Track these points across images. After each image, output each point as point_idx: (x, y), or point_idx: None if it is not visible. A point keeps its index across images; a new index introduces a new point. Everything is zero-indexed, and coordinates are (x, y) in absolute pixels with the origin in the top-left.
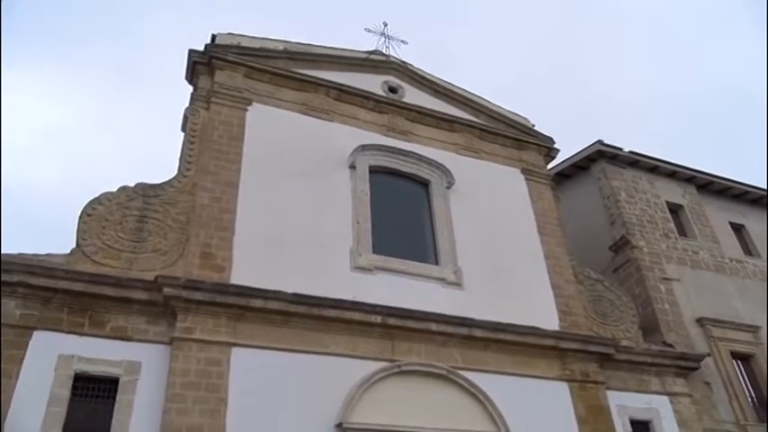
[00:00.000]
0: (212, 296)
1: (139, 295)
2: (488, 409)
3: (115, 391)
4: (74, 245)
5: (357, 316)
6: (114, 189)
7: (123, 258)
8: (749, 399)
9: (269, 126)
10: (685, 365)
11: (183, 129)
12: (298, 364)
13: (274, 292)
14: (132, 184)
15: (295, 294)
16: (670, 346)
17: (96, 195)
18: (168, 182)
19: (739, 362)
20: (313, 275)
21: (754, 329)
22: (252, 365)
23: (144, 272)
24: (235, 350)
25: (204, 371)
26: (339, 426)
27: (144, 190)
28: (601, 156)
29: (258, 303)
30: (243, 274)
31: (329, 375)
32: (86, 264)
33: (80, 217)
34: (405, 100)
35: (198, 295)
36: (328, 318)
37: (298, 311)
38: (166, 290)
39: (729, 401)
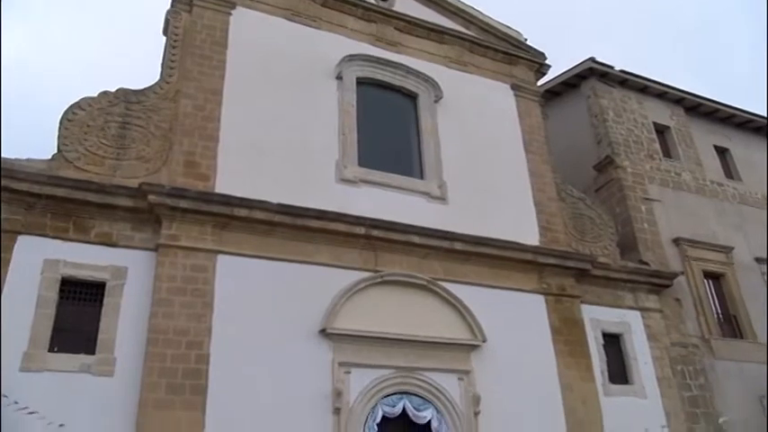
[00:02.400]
0: (197, 204)
1: (124, 202)
2: (466, 318)
3: (102, 294)
4: (54, 150)
5: (341, 227)
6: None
7: (106, 165)
8: (715, 315)
9: (253, 32)
10: (659, 283)
11: (165, 32)
12: (282, 272)
13: (259, 201)
14: (113, 89)
15: (280, 205)
16: (646, 264)
17: (76, 100)
18: (150, 88)
19: (710, 280)
20: (298, 186)
21: (727, 250)
22: (237, 273)
23: (128, 179)
24: (220, 257)
25: (190, 277)
26: (323, 331)
27: (125, 95)
28: (592, 73)
29: (243, 213)
30: (227, 183)
31: (313, 284)
32: (69, 169)
33: (60, 122)
34: (394, 8)
35: (183, 203)
36: (313, 228)
37: (282, 221)
38: (151, 197)
39: (697, 317)
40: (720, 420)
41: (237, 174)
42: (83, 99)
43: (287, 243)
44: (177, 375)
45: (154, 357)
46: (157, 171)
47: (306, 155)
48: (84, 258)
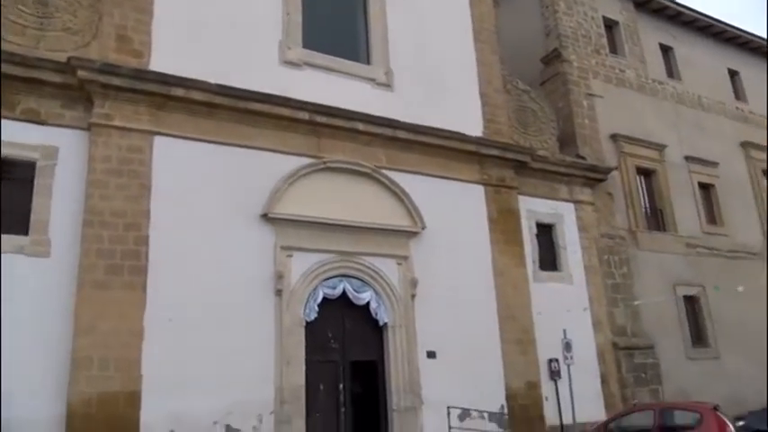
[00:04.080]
0: (131, 82)
1: (51, 77)
2: (407, 205)
3: (33, 175)
4: None
5: (284, 111)
6: None
7: (28, 35)
8: (643, 209)
9: None
10: (593, 177)
11: None
12: (223, 155)
13: (197, 81)
14: None
15: (219, 86)
16: (582, 158)
17: None
18: None
19: (642, 176)
20: (239, 67)
21: (660, 148)
22: (176, 155)
23: (54, 52)
24: (157, 139)
25: (126, 158)
26: (265, 216)
27: None
28: None
29: (180, 93)
30: (163, 61)
31: (255, 168)
32: None
33: None
34: None
35: (116, 81)
36: (254, 111)
37: (222, 103)
38: (81, 73)
39: (626, 210)
40: (635, 303)
41: (174, 51)
42: None
43: (227, 126)
44: (116, 256)
45: (90, 239)
46: (87, 45)
47: (247, 34)
48: (11, 137)
